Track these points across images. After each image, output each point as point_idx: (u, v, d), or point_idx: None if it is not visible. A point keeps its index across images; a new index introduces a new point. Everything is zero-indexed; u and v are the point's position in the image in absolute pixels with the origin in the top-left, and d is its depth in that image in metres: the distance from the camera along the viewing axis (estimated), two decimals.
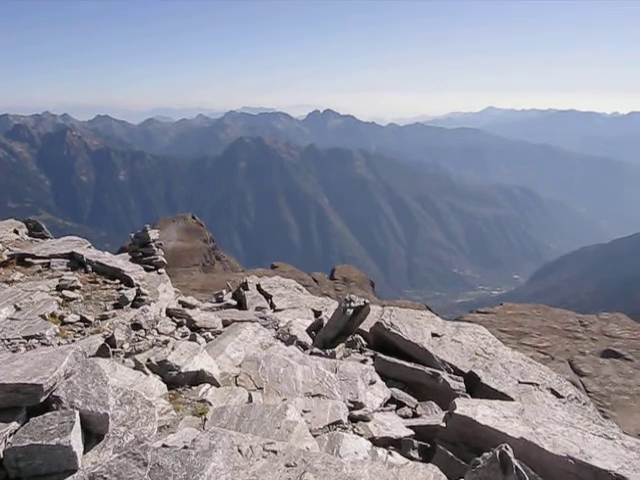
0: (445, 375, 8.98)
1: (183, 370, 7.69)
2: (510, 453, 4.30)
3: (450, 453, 5.97)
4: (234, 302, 15.12)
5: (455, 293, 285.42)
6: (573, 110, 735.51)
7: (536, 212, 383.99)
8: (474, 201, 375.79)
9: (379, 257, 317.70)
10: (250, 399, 7.19)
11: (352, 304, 10.51)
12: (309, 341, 10.75)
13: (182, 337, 10.34)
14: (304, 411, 6.92)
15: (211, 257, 76.94)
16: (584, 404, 10.56)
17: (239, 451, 4.76)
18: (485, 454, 4.46)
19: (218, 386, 7.56)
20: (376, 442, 6.67)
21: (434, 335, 10.55)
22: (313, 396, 7.49)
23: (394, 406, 8.28)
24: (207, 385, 7.46)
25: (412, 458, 6.47)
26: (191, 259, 71.12)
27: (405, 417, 8.04)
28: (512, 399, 8.94)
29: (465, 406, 6.47)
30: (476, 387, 9.38)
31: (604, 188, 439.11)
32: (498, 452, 4.32)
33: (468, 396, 8.76)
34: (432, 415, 8.08)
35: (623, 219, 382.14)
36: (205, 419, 6.31)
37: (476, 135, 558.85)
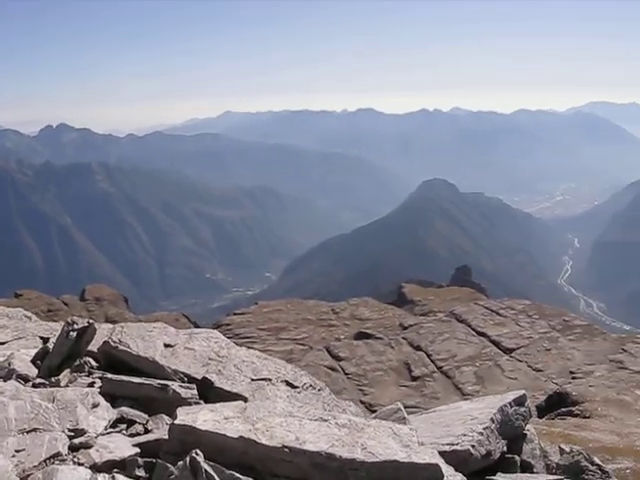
0: (176, 385, 8.86)
1: None
2: (200, 458, 4.33)
3: (170, 465, 5.89)
4: None
5: (211, 298, 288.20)
6: (307, 110, 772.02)
7: (279, 210, 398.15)
8: (219, 204, 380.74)
9: (130, 272, 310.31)
10: None
11: (75, 326, 10.01)
12: (33, 372, 10.08)
13: None
14: (17, 451, 6.42)
15: None
16: (319, 390, 10.98)
17: None
18: (179, 463, 4.45)
19: None
20: (98, 468, 6.38)
21: (167, 346, 10.38)
22: (28, 432, 6.99)
23: (124, 426, 8.00)
24: None
25: (138, 477, 6.29)
26: None
27: (136, 435, 7.81)
28: (246, 398, 9.07)
29: (186, 414, 6.43)
30: (210, 392, 9.39)
31: (340, 182, 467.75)
32: (188, 459, 4.34)
33: (201, 402, 8.74)
34: (162, 428, 7.93)
35: (359, 209, 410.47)
36: None
37: (215, 140, 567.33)
